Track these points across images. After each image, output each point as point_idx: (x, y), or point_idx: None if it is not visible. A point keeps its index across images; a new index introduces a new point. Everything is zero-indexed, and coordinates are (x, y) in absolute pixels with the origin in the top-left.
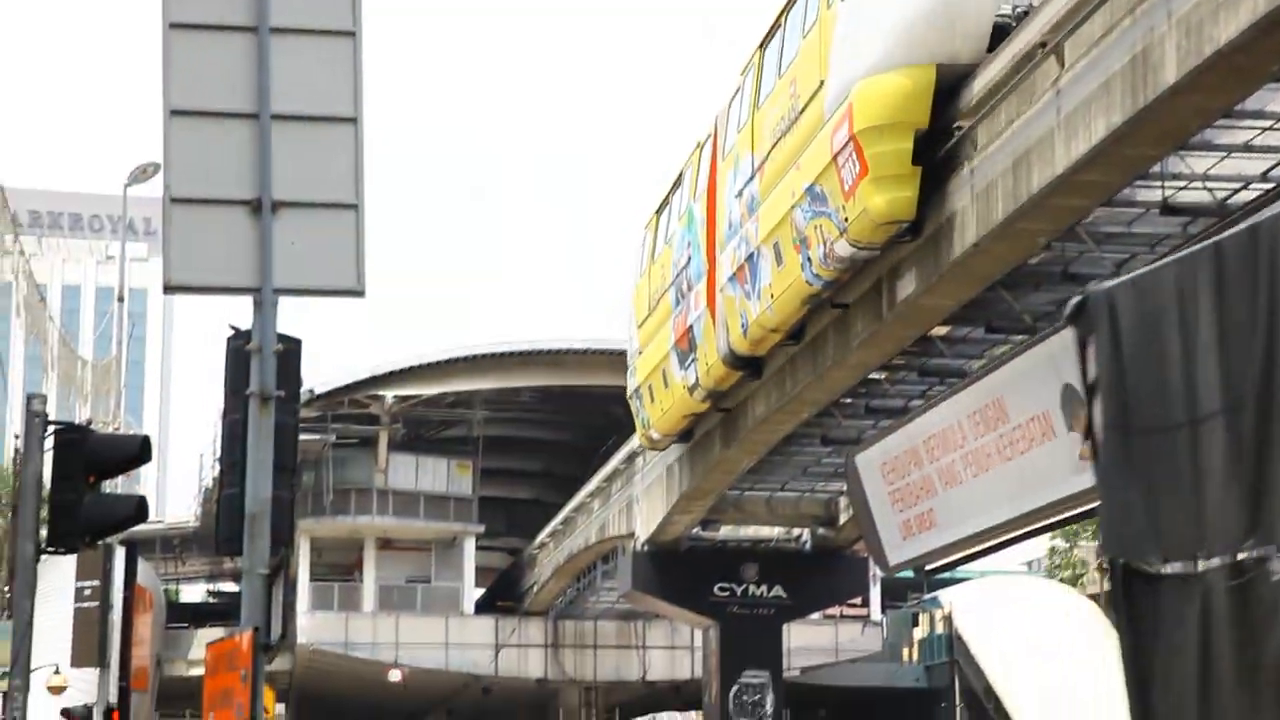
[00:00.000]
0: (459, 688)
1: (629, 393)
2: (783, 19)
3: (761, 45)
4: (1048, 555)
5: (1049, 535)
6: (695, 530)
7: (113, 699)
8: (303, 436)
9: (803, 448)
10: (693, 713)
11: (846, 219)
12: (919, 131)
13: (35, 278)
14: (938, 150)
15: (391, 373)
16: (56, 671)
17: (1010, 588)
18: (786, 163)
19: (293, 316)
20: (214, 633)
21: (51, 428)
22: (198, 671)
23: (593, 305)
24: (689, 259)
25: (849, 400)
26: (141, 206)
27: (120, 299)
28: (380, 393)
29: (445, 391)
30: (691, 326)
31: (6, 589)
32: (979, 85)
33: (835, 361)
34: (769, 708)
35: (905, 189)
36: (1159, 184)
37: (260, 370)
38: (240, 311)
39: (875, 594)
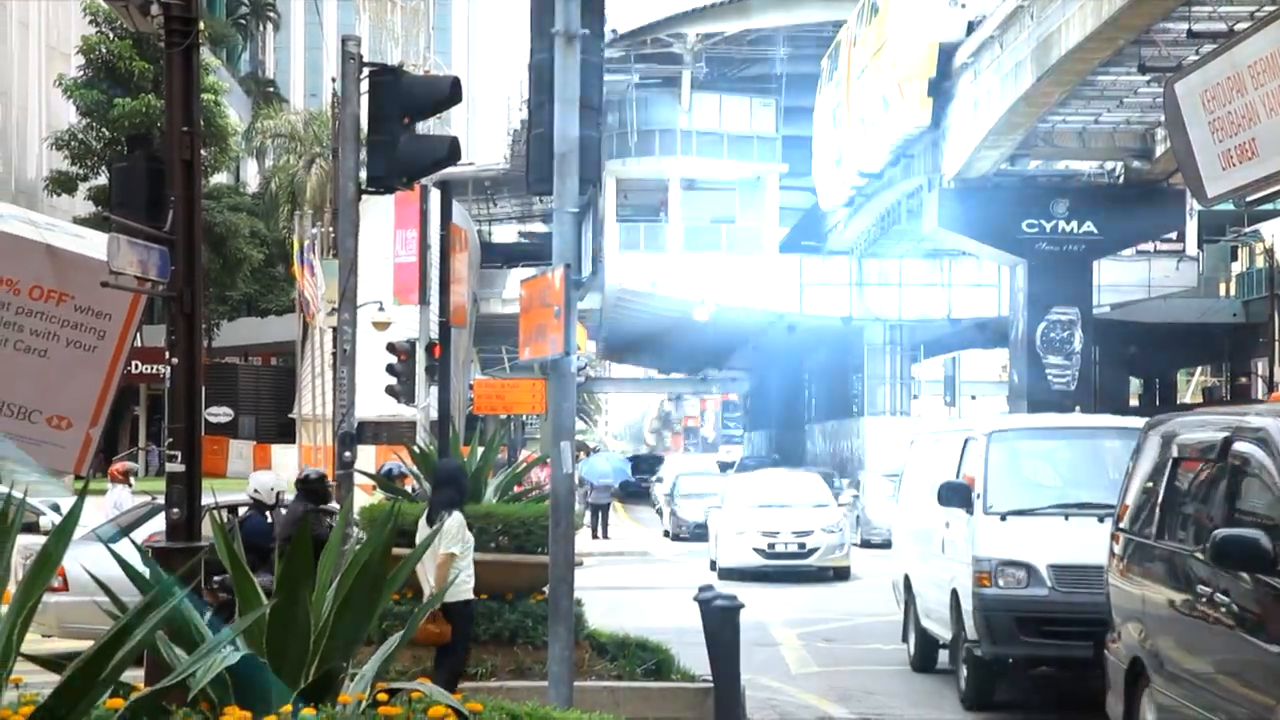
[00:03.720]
0: (764, 326)
1: (813, 169)
2: None
3: None
4: None
5: None
6: (1003, 165)
7: (434, 334)
8: (607, 77)
9: (1118, 77)
10: (999, 349)
11: (897, 120)
12: (931, 79)
13: None
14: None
15: (693, 10)
16: (381, 308)
17: None
18: (875, 74)
19: None
20: (526, 272)
21: (366, 69)
22: (512, 309)
23: None
24: (839, 101)
25: (1169, 25)
26: None
27: None
28: (682, 30)
29: (747, 28)
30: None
31: (331, 229)
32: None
33: None
34: (1077, 344)
35: (925, 108)
36: None
37: (565, 8)
38: None
39: (1191, 228)
